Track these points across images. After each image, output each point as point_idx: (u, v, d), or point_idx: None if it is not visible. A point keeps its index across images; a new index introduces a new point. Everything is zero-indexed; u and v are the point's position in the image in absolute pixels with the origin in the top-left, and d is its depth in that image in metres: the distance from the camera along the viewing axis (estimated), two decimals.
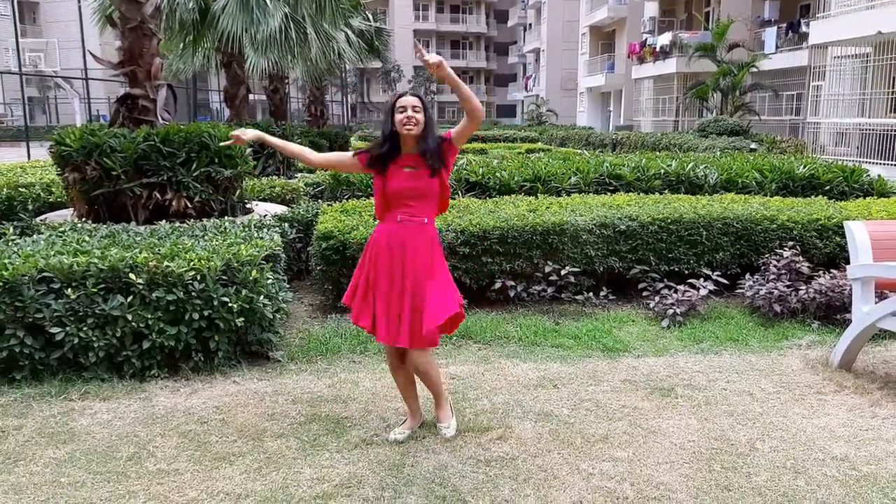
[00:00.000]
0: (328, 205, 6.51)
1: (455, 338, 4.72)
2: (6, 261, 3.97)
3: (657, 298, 5.25)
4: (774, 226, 5.72)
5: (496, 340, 4.70)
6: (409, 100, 3.08)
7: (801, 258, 5.42)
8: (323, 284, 5.38)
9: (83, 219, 5.76)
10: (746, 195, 7.09)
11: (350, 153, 3.29)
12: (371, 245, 3.18)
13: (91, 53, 6.97)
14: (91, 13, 10.14)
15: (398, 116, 3.06)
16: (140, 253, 4.09)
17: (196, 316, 3.93)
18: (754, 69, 21.81)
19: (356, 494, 2.79)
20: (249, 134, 3.42)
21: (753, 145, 16.56)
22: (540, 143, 25.31)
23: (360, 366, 4.26)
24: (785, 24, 23.59)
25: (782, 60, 22.57)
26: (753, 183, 7.78)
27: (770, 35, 23.78)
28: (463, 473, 2.96)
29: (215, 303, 3.96)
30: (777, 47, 23.24)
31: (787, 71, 22.50)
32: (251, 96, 13.49)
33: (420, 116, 3.06)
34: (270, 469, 2.99)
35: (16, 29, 14.27)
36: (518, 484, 2.88)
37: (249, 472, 2.97)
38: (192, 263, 4.00)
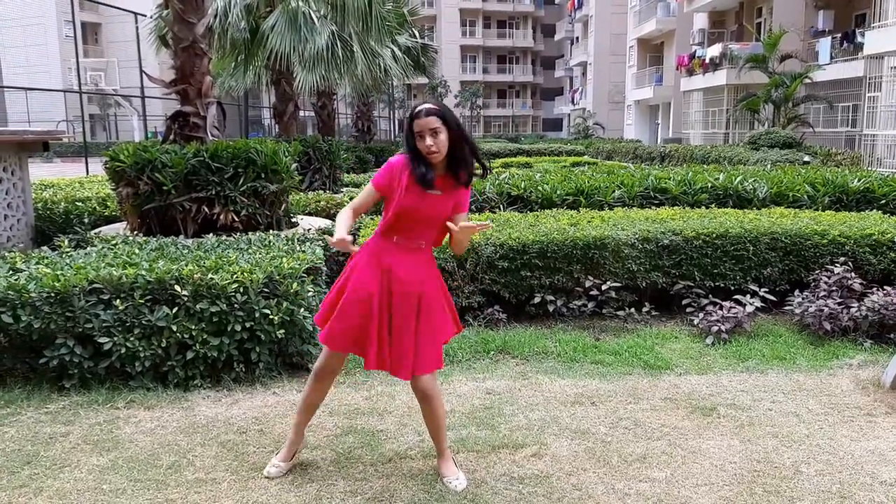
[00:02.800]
0: (370, 218, 6.59)
1: (492, 353, 4.70)
2: (59, 272, 4.13)
3: (701, 315, 5.14)
4: (825, 241, 5.55)
5: (534, 356, 4.67)
6: (425, 122, 2.73)
7: (853, 274, 5.24)
8: None
9: (135, 232, 5.96)
10: (797, 209, 6.90)
11: (370, 188, 2.92)
12: (359, 260, 2.90)
13: (145, 73, 7.23)
14: (147, 34, 10.52)
15: (419, 144, 2.76)
16: (186, 265, 4.20)
17: (238, 327, 4.02)
18: (808, 80, 21.28)
19: None
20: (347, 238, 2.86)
21: (807, 158, 16.12)
22: (586, 157, 25.14)
23: (397, 379, 4.26)
24: (839, 35, 22.96)
25: (837, 71, 21.95)
26: (805, 197, 7.56)
27: (824, 45, 23.18)
28: (496, 490, 2.94)
29: (257, 315, 4.04)
30: (831, 58, 22.64)
31: (842, 82, 21.87)
32: (300, 113, 13.77)
33: (441, 138, 2.74)
34: (305, 480, 3.02)
35: (76, 49, 14.90)
36: (552, 502, 2.84)
37: (284, 483, 3.00)
38: (235, 276, 4.09)
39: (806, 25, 25.16)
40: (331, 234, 6.17)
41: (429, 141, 2.72)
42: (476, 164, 2.92)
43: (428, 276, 2.92)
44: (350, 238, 2.83)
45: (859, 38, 20.93)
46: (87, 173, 13.86)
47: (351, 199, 8.96)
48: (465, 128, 2.88)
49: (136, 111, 29.41)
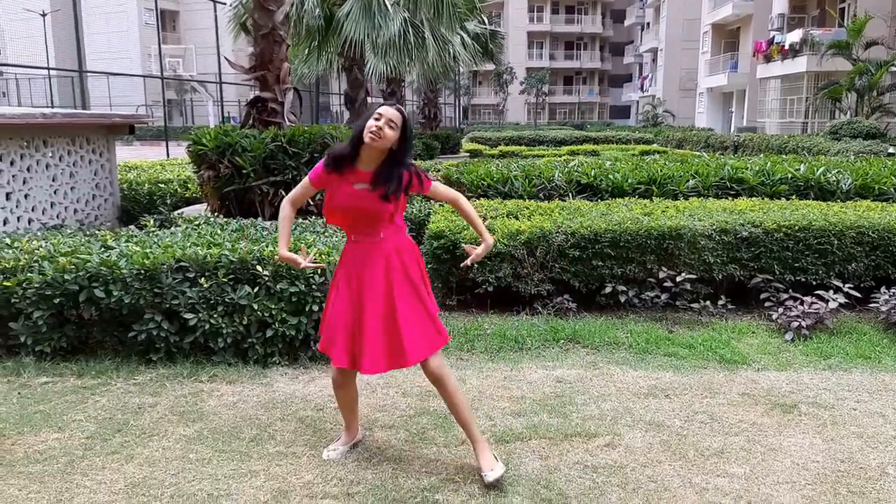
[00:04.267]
0: (440, 205, 6.63)
1: (562, 341, 4.69)
2: (148, 250, 4.32)
3: (781, 310, 4.98)
4: None
5: (605, 346, 4.62)
6: (389, 111, 2.76)
7: None
8: (434, 282, 5.48)
9: (216, 213, 6.17)
10: (884, 203, 6.59)
11: (305, 180, 2.95)
12: (337, 272, 2.96)
13: (226, 58, 7.44)
14: (227, 21, 10.82)
15: (369, 122, 2.74)
16: (266, 247, 4.33)
17: (316, 307, 4.12)
18: (894, 68, 20.20)
19: (462, 489, 2.84)
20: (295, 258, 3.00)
21: (891, 149, 15.34)
22: (655, 145, 24.56)
23: (468, 363, 4.31)
24: None
25: None
26: (892, 190, 7.20)
27: None
28: (569, 478, 2.94)
29: None
30: None
31: None
32: (369, 99, 13.93)
33: (392, 134, 2.74)
34: (381, 459, 3.09)
35: (159, 36, 15.43)
36: (626, 493, 2.83)
37: (360, 460, 3.08)
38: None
39: (893, 11, 23.87)
40: None
41: (382, 124, 2.72)
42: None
43: (398, 264, 2.86)
44: (291, 255, 2.97)
45: None
46: (168, 156, 14.37)
47: None
48: (411, 148, 2.90)
49: (211, 96, 30.31)
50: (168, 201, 7.68)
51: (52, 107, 21.45)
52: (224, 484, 2.88)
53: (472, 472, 2.97)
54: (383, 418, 3.50)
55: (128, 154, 19.82)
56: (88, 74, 13.75)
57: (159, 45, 14.86)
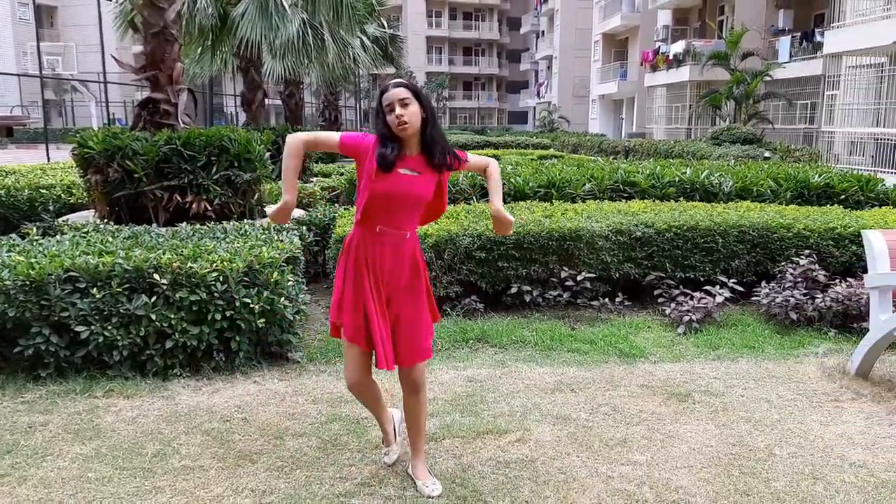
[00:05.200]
0: (345, 209, 6.58)
1: (471, 342, 4.76)
2: (33, 260, 4.04)
3: (673, 305, 5.26)
4: (791, 234, 5.73)
5: (512, 344, 4.73)
6: (394, 93, 2.59)
7: (817, 266, 5.42)
8: None
9: (105, 220, 5.85)
10: (762, 203, 7.10)
11: (334, 136, 2.74)
12: (349, 255, 2.76)
13: (113, 57, 7.08)
14: (112, 18, 10.28)
15: (388, 118, 2.61)
16: (164, 254, 4.15)
17: (218, 316, 3.99)
18: (768, 78, 21.80)
19: (378, 493, 2.83)
20: (290, 206, 2.76)
21: (767, 154, 16.53)
22: (552, 150, 25.33)
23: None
24: (799, 34, 23.55)
25: (796, 69, 22.52)
26: (768, 191, 7.77)
27: (784, 44, 23.74)
28: (483, 474, 2.99)
29: (237, 304, 4.02)
30: (791, 56, 23.20)
31: (801, 80, 22.44)
32: (266, 101, 13.61)
33: (413, 108, 2.60)
34: (293, 467, 3.03)
35: (37, 33, 14.47)
36: (538, 485, 2.91)
37: (272, 469, 3.01)
38: (214, 265, 4.06)
39: (766, 24, 25.73)
40: (305, 225, 6.15)
41: (399, 110, 2.57)
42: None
43: (414, 267, 2.79)
44: (291, 206, 2.74)
45: (818, 38, 21.50)
46: (48, 160, 13.48)
47: (322, 188, 8.92)
48: (434, 111, 2.73)
49: (94, 97, 28.67)
50: (51, 208, 7.21)
51: None
52: (128, 502, 2.73)
53: (386, 476, 2.96)
54: (294, 426, 3.44)
55: (2, 158, 18.44)
56: None
57: (38, 42, 13.89)
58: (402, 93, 2.59)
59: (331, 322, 2.87)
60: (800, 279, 5.36)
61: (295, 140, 2.71)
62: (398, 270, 2.74)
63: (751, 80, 21.12)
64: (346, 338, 2.78)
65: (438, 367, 4.28)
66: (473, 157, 2.90)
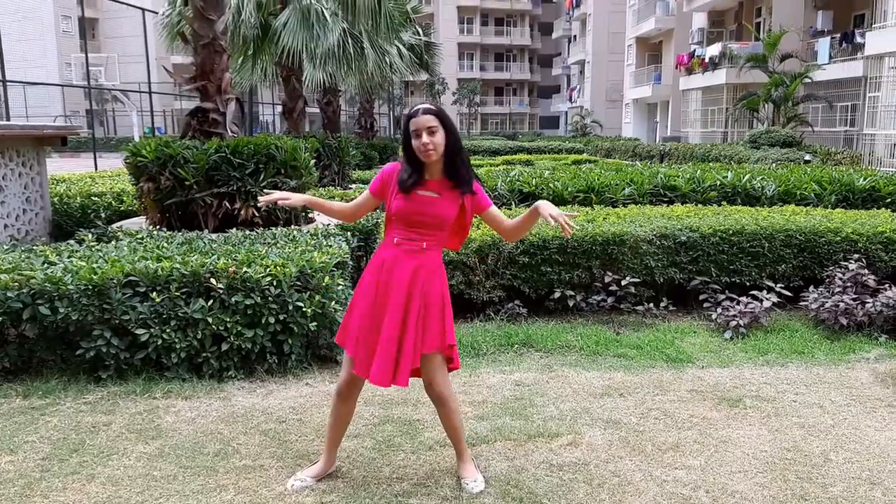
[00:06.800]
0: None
1: (516, 346, 4.79)
2: (94, 265, 4.19)
3: (719, 310, 5.23)
4: (839, 238, 5.66)
5: (557, 349, 4.75)
6: (422, 120, 2.69)
7: (866, 271, 5.34)
8: None
9: (156, 226, 6.02)
10: (807, 207, 7.01)
11: (366, 193, 2.92)
12: (368, 267, 2.88)
13: (165, 68, 7.28)
14: (159, 29, 10.55)
15: (414, 143, 2.72)
16: (219, 259, 4.27)
17: (272, 320, 4.09)
18: (807, 80, 21.42)
19: (435, 493, 2.88)
20: (296, 198, 2.94)
21: (808, 157, 16.26)
22: (585, 155, 25.25)
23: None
24: (839, 35, 23.12)
25: (836, 71, 22.11)
26: (812, 195, 7.67)
27: (823, 45, 23.33)
28: (536, 477, 3.02)
29: (290, 307, 4.12)
30: (830, 58, 22.79)
31: (842, 82, 22.03)
32: (306, 109, 13.81)
33: (438, 138, 2.69)
34: (350, 467, 3.10)
35: (85, 45, 14.90)
36: (592, 488, 2.93)
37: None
38: (268, 269, 4.16)
39: (805, 25, 25.30)
40: (349, 230, 6.24)
41: (425, 138, 2.67)
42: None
43: (427, 281, 2.80)
44: (297, 197, 2.92)
45: (858, 39, 21.10)
46: (96, 168, 13.86)
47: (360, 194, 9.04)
48: (459, 136, 2.81)
49: (135, 107, 29.36)
50: (102, 215, 7.42)
51: None
52: (193, 500, 2.83)
53: (442, 477, 3.01)
54: (348, 428, 3.50)
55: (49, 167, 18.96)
56: (8, 83, 13.13)
57: (85, 54, 14.31)
58: (431, 121, 2.69)
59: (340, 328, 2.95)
60: (849, 284, 5.29)
61: (340, 208, 3.00)
62: (408, 279, 2.76)
63: (790, 83, 20.79)
64: (346, 351, 2.89)
65: (485, 371, 4.33)
66: (497, 213, 2.90)
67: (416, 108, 2.76)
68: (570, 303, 5.42)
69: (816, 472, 3.06)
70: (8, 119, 12.62)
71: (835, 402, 3.85)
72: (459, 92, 53.32)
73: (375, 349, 2.76)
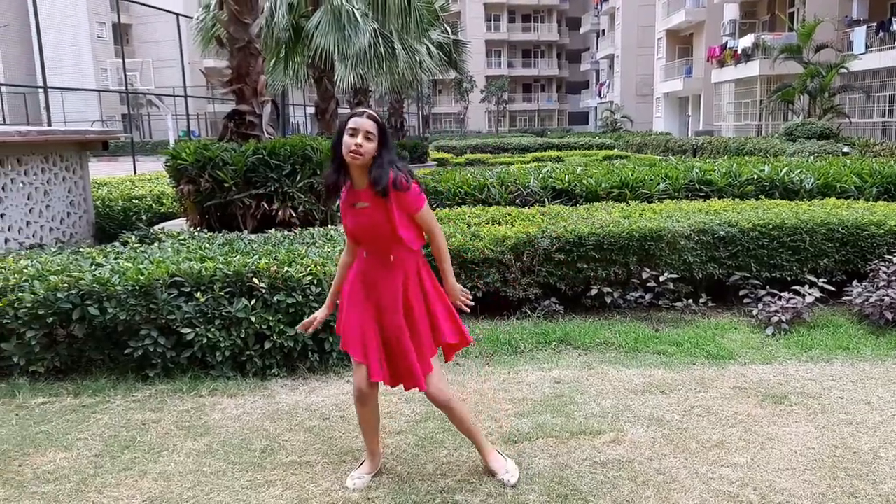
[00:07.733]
0: None
1: (554, 343, 4.79)
2: (140, 266, 4.29)
3: (760, 306, 5.16)
4: (882, 231, 5.54)
5: (596, 346, 4.74)
6: (365, 123, 2.64)
7: None
8: None
9: (197, 228, 6.13)
10: (847, 200, 6.88)
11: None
12: (352, 279, 2.90)
13: (202, 73, 7.40)
14: (193, 34, 10.72)
15: (346, 139, 2.63)
16: (260, 259, 4.34)
17: None
18: (843, 70, 20.98)
19: (479, 489, 2.90)
20: (321, 313, 3.05)
21: (846, 149, 15.93)
22: (616, 150, 25.05)
23: (465, 368, 4.38)
24: (875, 24, 22.59)
25: (873, 61, 21.61)
26: (853, 187, 7.52)
27: (859, 35, 22.82)
28: (580, 474, 3.03)
29: None
30: (867, 47, 22.28)
31: (879, 71, 21.53)
32: (339, 110, 13.92)
33: (369, 146, 2.63)
34: (395, 463, 3.14)
35: (122, 51, 15.19)
36: (637, 486, 2.92)
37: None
38: (308, 269, 4.22)
39: (840, 14, 24.78)
40: None
41: (360, 139, 2.61)
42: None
43: (407, 289, 2.82)
44: (321, 317, 3.02)
45: (895, 27, 20.59)
46: (135, 171, 14.14)
47: None
48: (394, 153, 2.76)
49: (169, 110, 29.88)
50: (144, 217, 7.59)
51: (5, 123, 20.93)
52: (243, 495, 2.89)
53: (485, 473, 3.03)
54: (391, 424, 3.55)
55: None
56: (49, 90, 13.46)
57: (123, 60, 14.62)
58: (372, 127, 2.65)
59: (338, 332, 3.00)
60: (893, 278, 5.18)
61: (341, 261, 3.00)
62: (391, 292, 2.80)
63: (825, 74, 20.38)
64: (342, 347, 2.93)
65: (524, 368, 4.33)
66: (429, 212, 2.83)
67: (362, 111, 2.72)
68: (608, 300, 5.40)
69: (866, 469, 3.02)
70: (49, 125, 12.94)
71: (882, 398, 3.78)
72: (487, 89, 53.25)
73: (386, 355, 2.85)
